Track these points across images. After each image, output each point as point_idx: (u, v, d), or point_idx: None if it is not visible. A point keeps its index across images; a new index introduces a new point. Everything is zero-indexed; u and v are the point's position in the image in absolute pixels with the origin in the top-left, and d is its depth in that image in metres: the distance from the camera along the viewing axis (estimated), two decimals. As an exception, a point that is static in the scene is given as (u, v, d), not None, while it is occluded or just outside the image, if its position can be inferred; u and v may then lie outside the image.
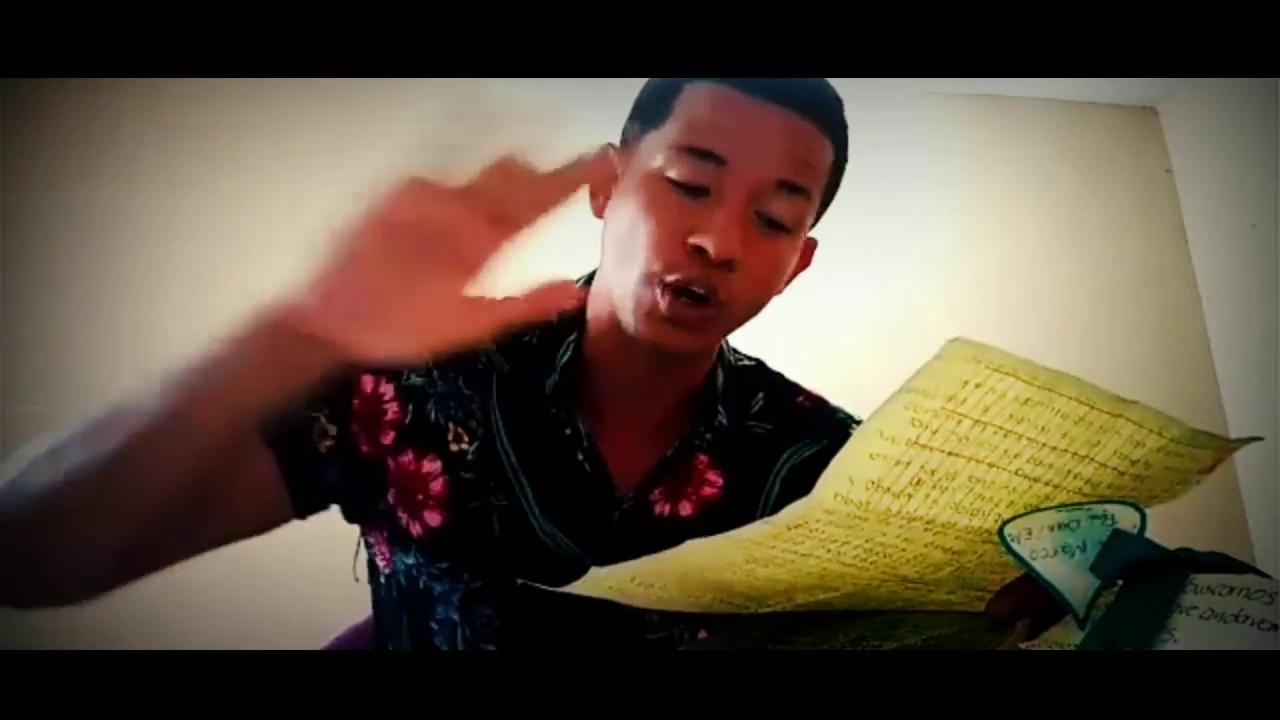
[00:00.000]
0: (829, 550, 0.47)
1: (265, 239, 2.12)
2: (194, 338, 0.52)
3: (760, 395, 0.86)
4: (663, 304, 0.71)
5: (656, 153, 0.72)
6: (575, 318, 0.81)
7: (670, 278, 0.71)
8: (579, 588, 0.52)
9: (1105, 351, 2.35)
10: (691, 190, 0.71)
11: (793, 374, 0.91)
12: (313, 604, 1.26)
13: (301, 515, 0.74)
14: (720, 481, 0.81)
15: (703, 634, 0.75)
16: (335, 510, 0.77)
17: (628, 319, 0.73)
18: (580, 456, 0.78)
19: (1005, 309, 2.38)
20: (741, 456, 0.82)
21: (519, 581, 0.55)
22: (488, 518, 0.75)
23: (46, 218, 2.01)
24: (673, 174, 0.71)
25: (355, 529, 0.82)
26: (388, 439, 0.76)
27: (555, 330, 0.81)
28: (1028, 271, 2.45)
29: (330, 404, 0.75)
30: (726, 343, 0.85)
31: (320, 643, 0.99)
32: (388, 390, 0.76)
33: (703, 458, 0.81)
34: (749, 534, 0.46)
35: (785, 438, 0.84)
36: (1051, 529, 0.45)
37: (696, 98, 0.72)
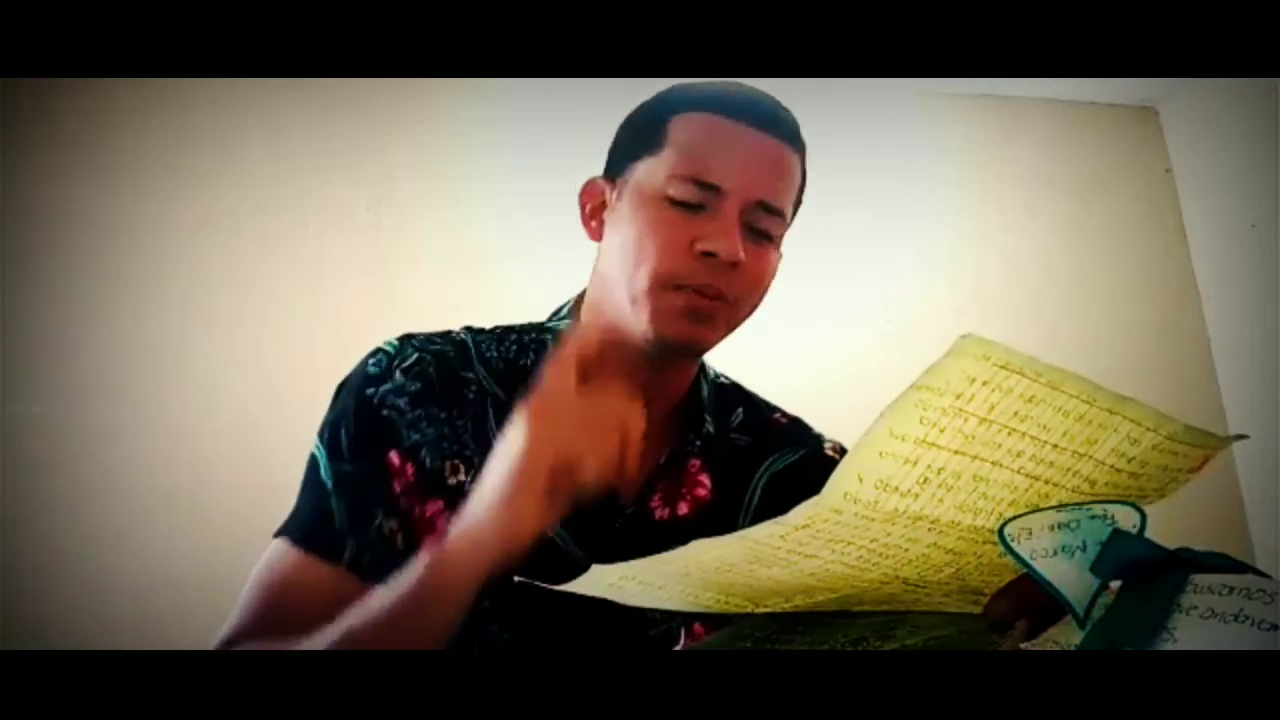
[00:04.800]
0: (833, 551, 0.47)
1: (265, 239, 2.12)
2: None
3: (740, 410, 0.94)
4: (680, 301, 0.78)
5: (655, 177, 0.80)
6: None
7: (683, 282, 0.78)
8: (580, 586, 0.53)
9: (1105, 351, 2.35)
10: (691, 207, 0.79)
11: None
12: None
13: None
14: (710, 484, 0.87)
15: (698, 626, 0.76)
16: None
17: (642, 325, 0.79)
18: None
19: (1005, 309, 2.38)
20: (726, 464, 0.88)
21: (516, 579, 0.55)
22: None
23: (46, 218, 2.01)
24: (673, 194, 0.79)
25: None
26: (410, 497, 0.79)
27: (550, 350, 0.83)
28: (1028, 271, 2.45)
29: (382, 502, 0.77)
30: (704, 361, 0.91)
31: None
32: (396, 455, 0.79)
33: (694, 462, 0.87)
34: (755, 534, 0.47)
35: (764, 449, 0.91)
36: (1051, 529, 0.45)
37: (689, 126, 0.81)
